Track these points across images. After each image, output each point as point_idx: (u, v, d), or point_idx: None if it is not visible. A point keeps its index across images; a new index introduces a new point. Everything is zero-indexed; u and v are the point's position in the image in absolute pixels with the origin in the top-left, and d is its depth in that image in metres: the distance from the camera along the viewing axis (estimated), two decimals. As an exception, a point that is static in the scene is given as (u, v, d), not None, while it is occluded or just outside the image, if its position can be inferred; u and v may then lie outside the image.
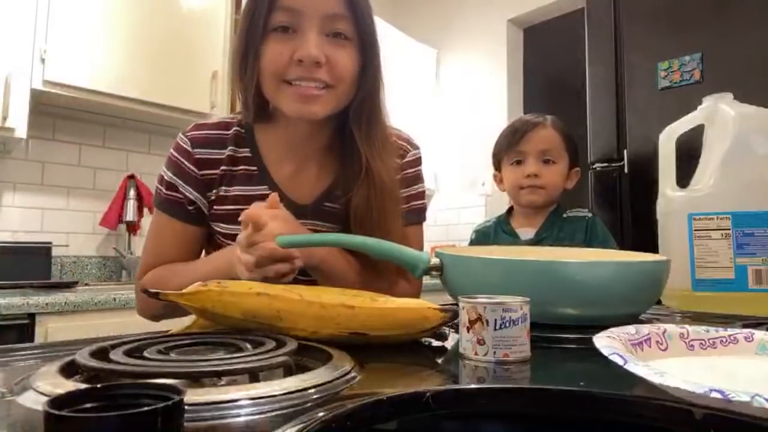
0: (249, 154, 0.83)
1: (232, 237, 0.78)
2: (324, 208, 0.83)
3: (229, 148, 0.82)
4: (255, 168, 0.83)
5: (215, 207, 0.82)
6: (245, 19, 0.74)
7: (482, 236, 1.34)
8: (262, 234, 0.66)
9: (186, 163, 0.82)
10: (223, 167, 0.81)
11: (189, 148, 0.82)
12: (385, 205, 0.78)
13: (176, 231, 0.84)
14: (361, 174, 0.77)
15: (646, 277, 0.66)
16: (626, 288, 0.63)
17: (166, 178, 0.84)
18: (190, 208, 0.83)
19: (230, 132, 0.83)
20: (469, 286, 0.64)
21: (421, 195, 0.92)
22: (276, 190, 0.80)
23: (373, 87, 0.79)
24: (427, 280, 0.84)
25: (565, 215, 1.25)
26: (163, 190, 0.84)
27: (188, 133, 0.83)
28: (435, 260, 0.70)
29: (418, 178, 0.92)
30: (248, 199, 0.78)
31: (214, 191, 0.82)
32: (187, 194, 0.82)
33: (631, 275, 0.64)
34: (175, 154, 0.83)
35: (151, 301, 0.77)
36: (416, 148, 0.94)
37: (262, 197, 0.78)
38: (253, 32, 0.72)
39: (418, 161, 0.93)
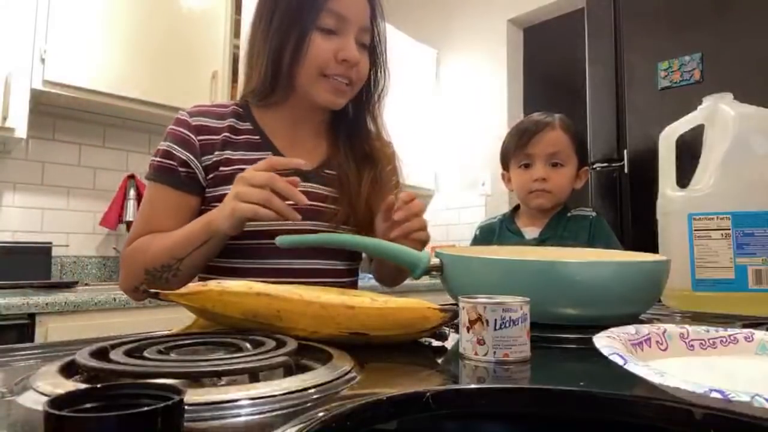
0: (250, 127, 0.89)
1: None
2: (324, 174, 0.90)
3: (230, 119, 0.88)
4: (257, 137, 0.88)
5: (221, 168, 0.84)
6: (287, 8, 0.82)
7: (486, 232, 1.34)
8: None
9: (183, 130, 0.85)
10: (224, 134, 0.86)
11: (187, 118, 0.86)
12: (388, 179, 0.94)
13: (168, 199, 0.84)
14: (370, 151, 0.93)
15: (646, 277, 0.66)
16: (626, 288, 0.63)
17: (161, 148, 0.85)
18: (182, 170, 0.83)
19: (228, 109, 0.90)
20: (469, 286, 0.64)
21: (398, 185, 1.02)
22: (279, 156, 0.87)
23: (386, 86, 0.94)
24: (426, 280, 0.84)
25: (569, 214, 1.24)
26: (157, 160, 0.85)
27: (187, 109, 0.88)
28: (435, 260, 0.70)
29: (397, 168, 1.03)
30: (253, 162, 0.84)
31: (216, 153, 0.85)
32: (181, 156, 0.83)
33: (631, 275, 0.64)
34: (173, 126, 0.86)
35: (134, 273, 0.79)
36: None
37: None
38: (300, 24, 0.81)
39: (395, 154, 1.03)
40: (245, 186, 0.70)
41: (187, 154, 0.84)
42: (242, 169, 0.84)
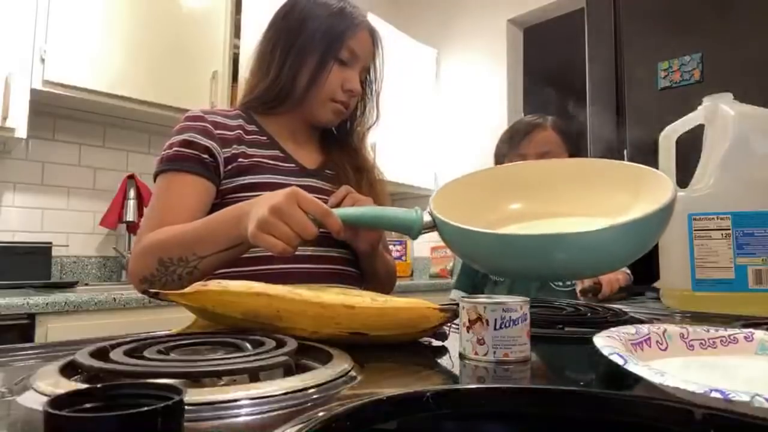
0: (256, 129, 0.95)
1: (257, 186, 0.85)
2: (325, 173, 0.98)
3: (239, 120, 0.93)
4: (265, 138, 0.94)
5: (240, 160, 0.88)
6: (313, 35, 0.91)
7: None
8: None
9: (201, 123, 0.88)
10: (237, 131, 0.91)
11: (202, 114, 0.89)
12: (377, 185, 1.02)
13: (190, 187, 0.83)
14: (359, 162, 1.02)
15: (641, 234, 0.62)
16: (628, 246, 0.61)
17: (179, 139, 0.86)
18: (205, 156, 0.85)
19: (234, 112, 0.95)
20: (460, 248, 0.66)
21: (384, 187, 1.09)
22: (286, 155, 0.94)
23: (375, 123, 1.05)
24: (426, 279, 0.85)
25: None
26: (174, 150, 0.84)
27: (197, 109, 0.91)
28: (427, 218, 0.72)
29: (380, 175, 1.09)
30: (267, 158, 0.91)
31: (233, 147, 0.88)
32: (205, 144, 0.86)
33: (632, 234, 0.60)
34: (188, 122, 0.88)
35: (147, 262, 0.77)
36: None
37: (278, 158, 0.93)
38: (323, 52, 0.91)
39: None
40: (276, 220, 0.66)
41: (211, 142, 0.86)
42: (260, 162, 0.89)
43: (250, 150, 0.90)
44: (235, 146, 0.88)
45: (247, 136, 0.92)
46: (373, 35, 0.97)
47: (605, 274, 1.10)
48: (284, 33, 0.93)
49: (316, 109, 0.94)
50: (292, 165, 0.93)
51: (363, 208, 0.77)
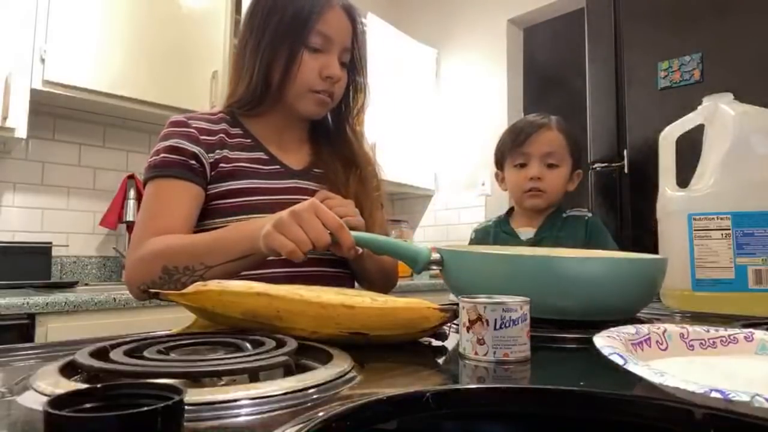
0: (241, 131, 0.93)
1: (238, 192, 0.86)
2: (312, 172, 0.96)
3: (222, 124, 0.92)
4: (249, 140, 0.93)
5: (222, 165, 0.87)
6: (278, 27, 0.87)
7: (482, 234, 1.34)
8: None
9: (185, 128, 0.88)
10: (220, 135, 0.90)
11: (185, 119, 0.89)
12: (370, 179, 0.99)
13: (180, 192, 0.83)
14: (351, 155, 0.98)
15: (643, 275, 0.67)
16: (623, 284, 0.63)
17: (164, 145, 0.86)
18: (193, 162, 0.85)
19: (217, 116, 0.94)
20: (469, 282, 0.65)
21: (379, 186, 1.05)
22: (270, 157, 0.93)
23: (365, 102, 1.00)
24: (426, 279, 0.85)
25: (564, 215, 1.25)
26: (161, 157, 0.85)
27: (180, 115, 0.91)
28: (435, 255, 0.71)
29: (377, 169, 1.05)
30: (249, 161, 0.90)
31: (216, 152, 0.88)
32: (192, 149, 0.86)
33: (629, 272, 0.65)
34: (173, 128, 0.88)
35: (149, 269, 0.76)
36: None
37: (261, 161, 0.91)
38: (291, 42, 0.86)
39: (373, 156, 1.07)
40: (293, 223, 0.67)
41: (198, 148, 0.86)
42: (240, 168, 0.88)
43: (233, 154, 0.89)
44: (217, 151, 0.88)
45: (230, 140, 0.90)
46: (348, 11, 0.91)
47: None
48: (253, 30, 0.90)
49: (297, 104, 0.90)
50: (276, 167, 0.92)
51: (376, 236, 0.75)
